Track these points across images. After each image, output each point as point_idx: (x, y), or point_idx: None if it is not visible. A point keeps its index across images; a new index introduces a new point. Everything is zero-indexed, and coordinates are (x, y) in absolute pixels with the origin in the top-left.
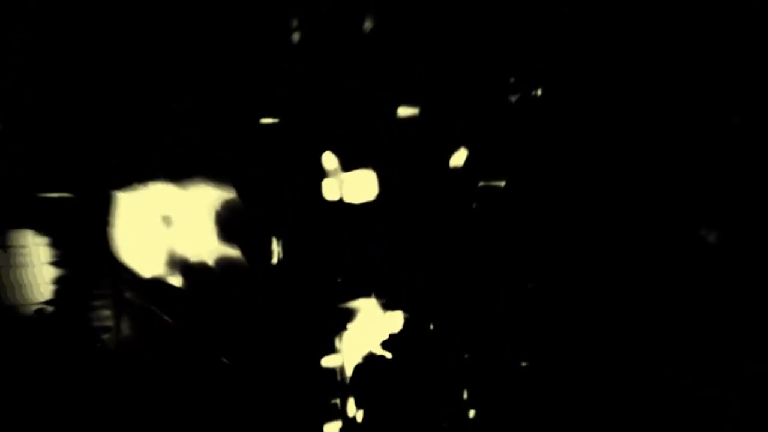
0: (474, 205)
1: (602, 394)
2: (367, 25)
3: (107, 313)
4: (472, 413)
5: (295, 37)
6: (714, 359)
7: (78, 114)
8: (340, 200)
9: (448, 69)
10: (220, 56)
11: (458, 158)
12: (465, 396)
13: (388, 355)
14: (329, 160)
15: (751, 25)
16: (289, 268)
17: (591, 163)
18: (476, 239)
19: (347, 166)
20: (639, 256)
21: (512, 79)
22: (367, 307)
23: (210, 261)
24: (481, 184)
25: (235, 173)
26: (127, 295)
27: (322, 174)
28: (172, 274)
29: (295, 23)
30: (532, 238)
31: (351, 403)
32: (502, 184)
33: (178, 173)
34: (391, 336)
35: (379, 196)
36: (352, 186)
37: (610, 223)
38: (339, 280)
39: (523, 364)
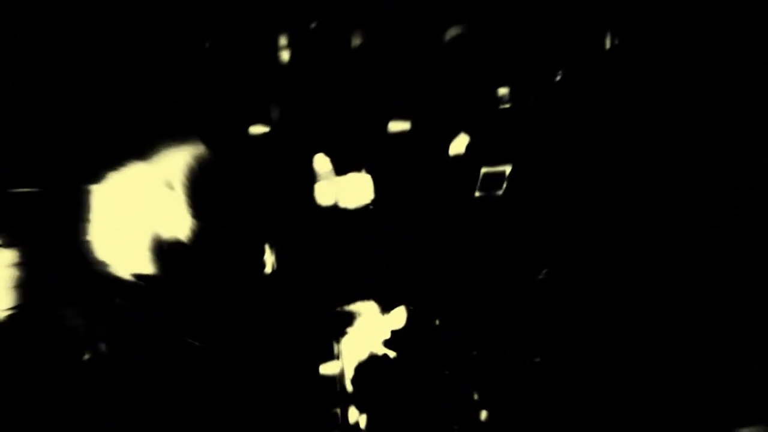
0: (475, 195)
1: (602, 394)
2: (366, 26)
3: (91, 314)
4: (472, 413)
5: (295, 37)
6: (714, 359)
7: (78, 114)
8: (339, 201)
9: (448, 68)
10: (220, 57)
11: (458, 150)
12: (466, 395)
13: (391, 354)
14: (328, 160)
15: (752, 24)
16: (289, 269)
17: (593, 158)
18: (475, 239)
19: (346, 166)
20: (640, 256)
21: (511, 80)
22: (367, 310)
23: (204, 258)
24: (484, 170)
25: (234, 173)
26: (113, 295)
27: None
28: (161, 271)
29: (295, 23)
30: (531, 238)
31: (352, 409)
32: (506, 172)
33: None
34: (393, 333)
35: (378, 196)
36: (352, 187)
37: (612, 223)
38: (338, 281)
39: (523, 363)
